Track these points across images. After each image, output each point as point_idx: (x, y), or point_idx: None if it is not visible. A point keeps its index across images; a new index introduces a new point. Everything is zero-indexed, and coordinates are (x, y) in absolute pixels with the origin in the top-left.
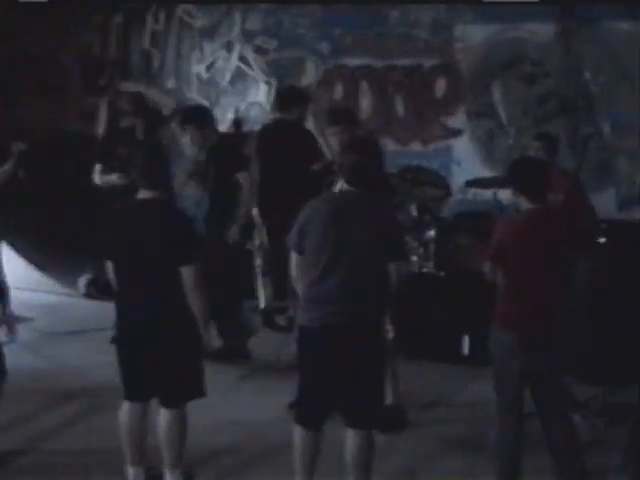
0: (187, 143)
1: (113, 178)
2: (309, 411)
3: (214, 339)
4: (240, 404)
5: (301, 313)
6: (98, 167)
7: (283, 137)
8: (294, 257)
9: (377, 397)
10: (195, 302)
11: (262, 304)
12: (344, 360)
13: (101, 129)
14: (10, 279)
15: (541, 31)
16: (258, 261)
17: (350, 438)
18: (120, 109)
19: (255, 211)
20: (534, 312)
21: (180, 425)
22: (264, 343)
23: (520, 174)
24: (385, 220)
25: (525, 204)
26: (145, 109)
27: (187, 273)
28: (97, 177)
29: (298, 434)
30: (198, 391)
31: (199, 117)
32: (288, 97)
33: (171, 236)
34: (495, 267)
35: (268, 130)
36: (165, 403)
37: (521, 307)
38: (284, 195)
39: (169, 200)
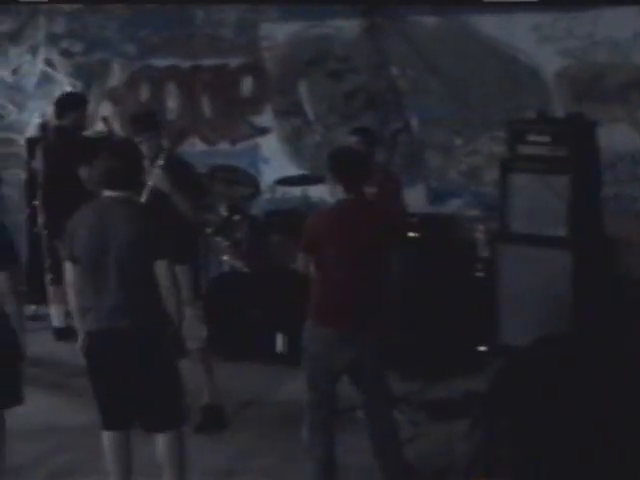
0: None
1: None
2: (109, 413)
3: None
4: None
5: (86, 319)
6: None
7: (59, 144)
8: (68, 266)
9: (168, 398)
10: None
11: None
12: (125, 363)
13: None
14: None
15: (347, 27)
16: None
17: (158, 439)
18: None
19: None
20: (349, 304)
21: None
22: None
23: (337, 163)
24: (148, 221)
25: (340, 194)
26: None
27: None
28: None
29: (105, 437)
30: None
31: None
32: (63, 104)
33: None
34: (307, 259)
35: (46, 139)
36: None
37: (336, 299)
38: (61, 202)
39: None
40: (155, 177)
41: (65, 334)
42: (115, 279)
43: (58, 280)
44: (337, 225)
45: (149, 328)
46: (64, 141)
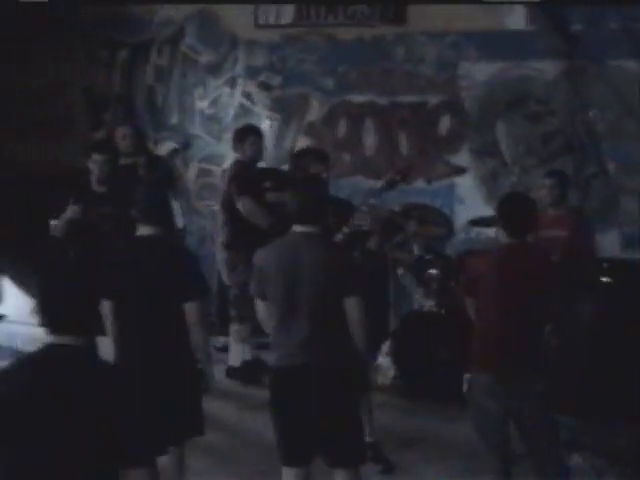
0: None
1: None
2: (292, 449)
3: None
4: None
5: (272, 355)
6: None
7: (230, 177)
8: (258, 303)
9: (354, 434)
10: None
11: None
12: (312, 399)
13: None
14: (16, 313)
15: (547, 69)
16: None
17: (337, 476)
18: (120, 145)
19: None
20: (507, 349)
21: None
22: None
23: (502, 208)
24: (336, 257)
25: (504, 238)
26: (145, 147)
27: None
28: None
29: (286, 473)
30: (198, 428)
31: None
32: (234, 137)
33: (175, 273)
34: (470, 302)
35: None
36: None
37: (494, 344)
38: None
39: (170, 237)
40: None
41: (238, 374)
42: (306, 314)
43: (246, 317)
44: (494, 269)
45: (338, 363)
46: (234, 174)
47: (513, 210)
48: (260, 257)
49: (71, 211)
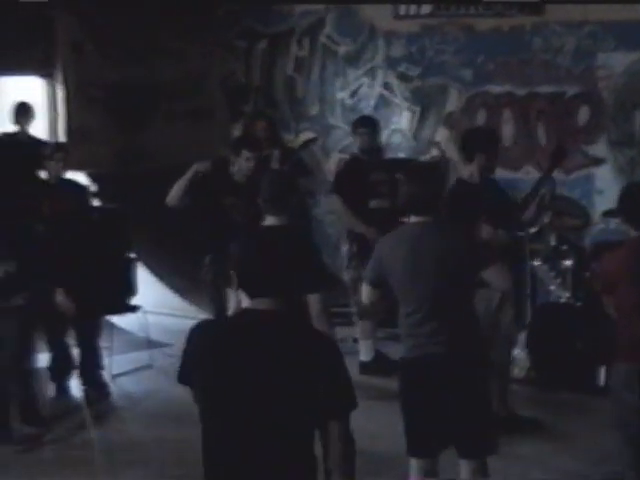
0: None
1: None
2: (419, 443)
3: None
4: None
5: (403, 345)
6: None
7: None
8: (366, 289)
9: (488, 424)
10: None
11: None
12: (443, 390)
13: None
14: (150, 303)
15: None
16: None
17: (464, 468)
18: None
19: None
20: None
21: None
22: None
23: (626, 201)
24: (459, 244)
25: (632, 232)
26: (280, 139)
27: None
28: None
29: (414, 464)
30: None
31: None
32: None
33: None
34: (607, 300)
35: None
36: None
37: (634, 338)
38: None
39: (295, 227)
40: None
41: (371, 368)
42: (434, 304)
43: (360, 314)
44: (628, 265)
45: (468, 354)
46: (338, 168)
47: (636, 202)
48: (382, 247)
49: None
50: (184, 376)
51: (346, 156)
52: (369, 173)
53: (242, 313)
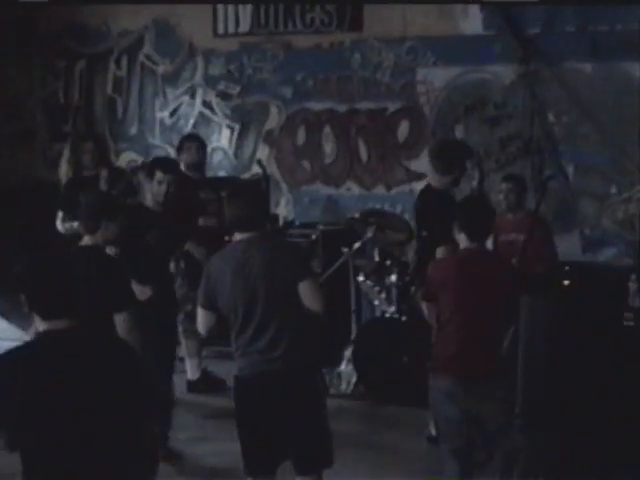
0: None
1: (74, 226)
2: (256, 461)
3: None
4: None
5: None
6: (60, 214)
7: None
8: (202, 313)
9: (324, 441)
10: None
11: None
12: (281, 407)
13: (63, 176)
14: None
15: (503, 73)
16: None
17: None
18: (83, 158)
19: None
20: (465, 354)
21: None
22: None
23: (463, 212)
24: (282, 250)
25: (463, 242)
26: (108, 159)
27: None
28: (59, 224)
29: None
30: None
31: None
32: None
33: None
34: (430, 308)
35: None
36: None
37: (453, 349)
38: None
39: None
40: None
41: (198, 387)
42: (262, 320)
43: (189, 332)
44: (455, 275)
45: (303, 367)
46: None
47: (473, 213)
48: (210, 268)
49: None
50: None
51: None
52: (198, 191)
53: (40, 338)
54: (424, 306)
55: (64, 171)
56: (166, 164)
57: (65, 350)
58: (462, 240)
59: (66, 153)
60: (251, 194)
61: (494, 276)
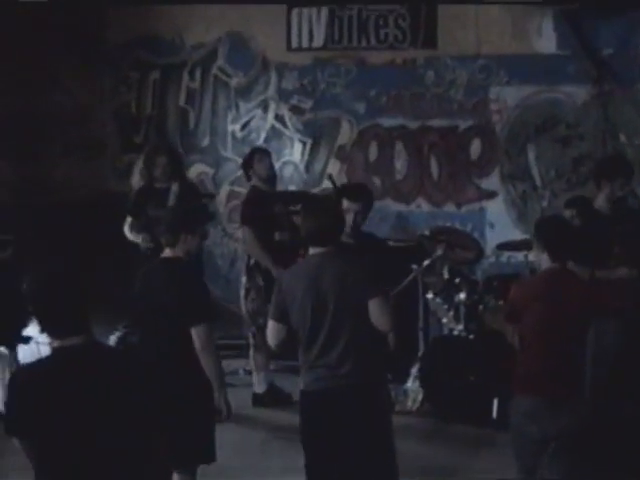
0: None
1: (139, 238)
2: (320, 477)
3: None
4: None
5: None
6: (129, 220)
7: None
8: (272, 325)
9: (389, 457)
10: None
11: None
12: (346, 423)
13: (136, 184)
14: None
15: (576, 93)
16: None
17: None
18: (155, 170)
19: None
20: (549, 375)
21: None
22: None
23: (544, 231)
24: (354, 266)
25: (545, 262)
26: (182, 173)
27: (197, 333)
28: (127, 230)
29: None
30: (208, 455)
31: None
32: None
33: (182, 295)
34: (512, 328)
35: None
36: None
37: (536, 368)
38: None
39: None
40: None
41: (264, 400)
42: (332, 335)
43: (259, 346)
44: (538, 295)
45: (371, 386)
46: (244, 199)
47: (555, 232)
48: (283, 280)
49: None
50: (12, 426)
51: (241, 189)
52: (272, 205)
53: (53, 353)
54: (506, 327)
55: (136, 181)
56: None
57: (75, 367)
58: (544, 260)
59: (139, 164)
60: (329, 208)
61: (576, 294)
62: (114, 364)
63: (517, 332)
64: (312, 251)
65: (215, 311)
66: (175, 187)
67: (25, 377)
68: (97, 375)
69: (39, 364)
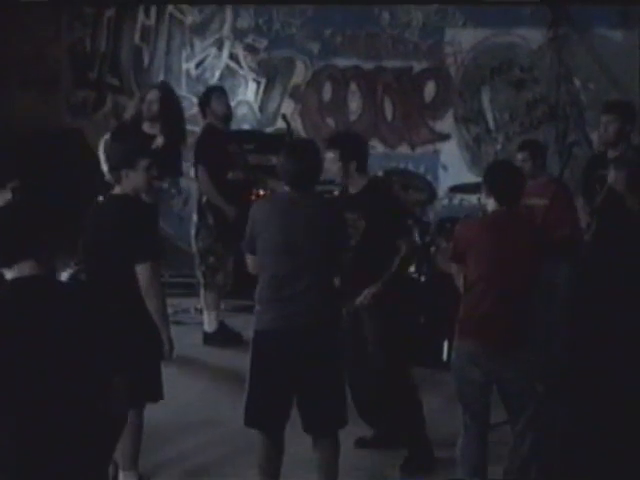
0: None
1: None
2: (265, 414)
3: None
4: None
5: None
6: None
7: None
8: (249, 258)
9: (338, 399)
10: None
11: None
12: (305, 362)
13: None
14: None
15: (531, 36)
16: None
17: (316, 441)
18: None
19: None
20: (492, 317)
21: (132, 427)
22: None
23: (492, 176)
24: (329, 212)
25: (492, 205)
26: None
27: (140, 272)
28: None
29: (258, 438)
30: (156, 393)
31: None
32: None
33: (127, 233)
34: (458, 269)
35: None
36: None
37: (479, 312)
38: None
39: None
40: None
41: (215, 339)
42: (297, 269)
43: (210, 285)
44: (483, 236)
45: (326, 326)
46: (199, 138)
47: (503, 178)
48: (255, 212)
49: None
50: None
51: (194, 127)
52: (227, 144)
53: (9, 285)
54: (452, 267)
55: (130, 114)
56: None
57: (27, 299)
58: (490, 204)
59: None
60: (311, 152)
61: (523, 238)
62: (68, 299)
63: (461, 273)
64: (287, 188)
65: (161, 250)
66: (160, 139)
67: None
68: (51, 310)
69: None
